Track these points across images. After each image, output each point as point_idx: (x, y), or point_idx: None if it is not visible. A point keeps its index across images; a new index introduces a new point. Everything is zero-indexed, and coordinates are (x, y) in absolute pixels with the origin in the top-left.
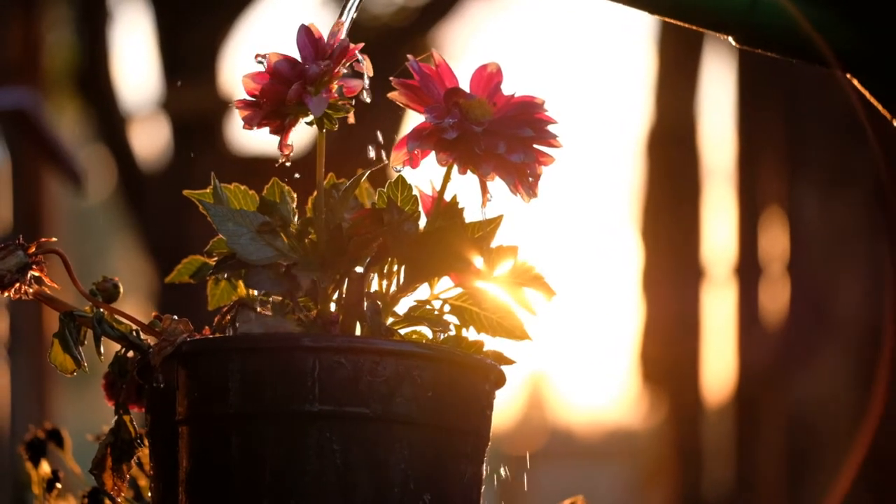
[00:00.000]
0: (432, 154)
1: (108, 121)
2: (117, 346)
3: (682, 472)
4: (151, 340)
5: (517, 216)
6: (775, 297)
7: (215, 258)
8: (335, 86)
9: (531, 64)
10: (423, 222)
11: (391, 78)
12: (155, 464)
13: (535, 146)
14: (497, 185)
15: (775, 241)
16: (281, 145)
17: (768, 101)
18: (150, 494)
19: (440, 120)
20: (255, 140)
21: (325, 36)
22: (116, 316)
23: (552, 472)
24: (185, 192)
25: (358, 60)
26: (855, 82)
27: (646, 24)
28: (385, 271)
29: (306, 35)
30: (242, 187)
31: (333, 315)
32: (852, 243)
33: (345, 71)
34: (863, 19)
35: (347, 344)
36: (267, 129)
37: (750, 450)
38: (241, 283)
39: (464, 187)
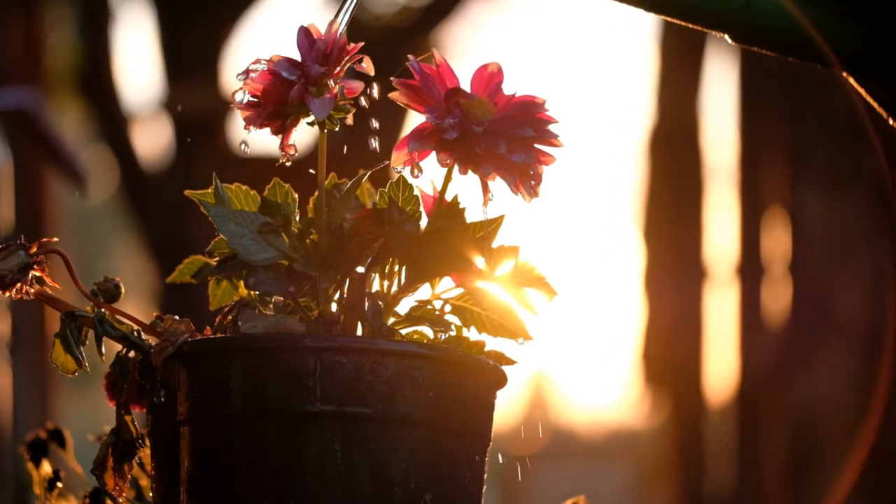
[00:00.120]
0: (433, 154)
1: (110, 121)
2: (119, 347)
3: (684, 472)
4: (153, 341)
5: (518, 216)
6: (777, 297)
7: (217, 258)
8: (336, 86)
9: (533, 64)
10: (424, 222)
11: (392, 78)
12: (156, 464)
13: (536, 146)
14: (498, 185)
15: (778, 241)
16: (283, 146)
17: (771, 101)
18: (151, 495)
19: (441, 120)
20: (258, 140)
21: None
22: (118, 316)
23: (554, 472)
24: (187, 193)
25: (360, 61)
26: (852, 81)
27: (648, 24)
28: (386, 271)
29: (306, 36)
30: (244, 187)
31: (335, 315)
32: (855, 243)
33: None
34: (861, 19)
35: (349, 344)
36: (268, 129)
37: (752, 450)
38: (242, 283)
39: (465, 187)
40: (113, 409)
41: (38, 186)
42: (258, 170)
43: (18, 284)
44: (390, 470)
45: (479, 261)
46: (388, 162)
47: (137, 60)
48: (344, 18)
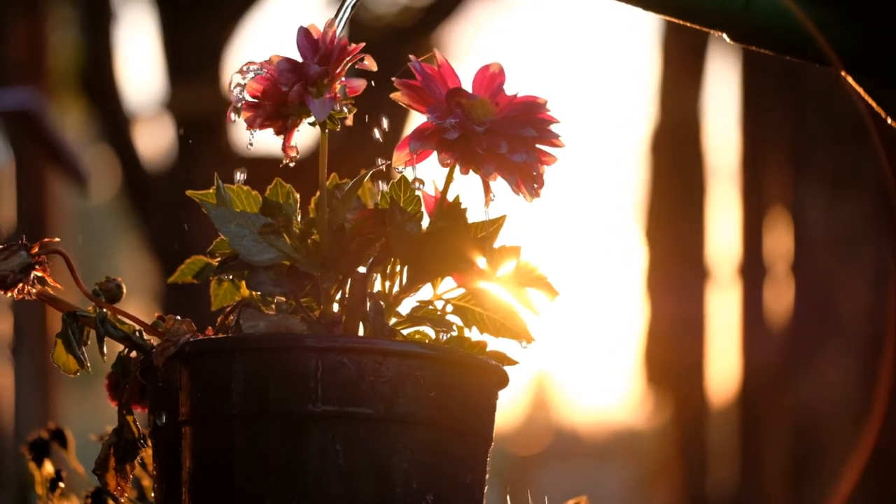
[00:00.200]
0: (434, 154)
1: (113, 121)
2: (120, 347)
3: (687, 472)
4: (155, 341)
5: (520, 216)
6: (780, 298)
7: (218, 259)
8: (337, 87)
9: (535, 64)
10: (425, 223)
11: (393, 78)
12: (158, 464)
13: (537, 146)
14: (500, 185)
15: (780, 242)
16: (285, 147)
17: (773, 101)
18: (153, 495)
19: (442, 120)
20: (258, 140)
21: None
22: (119, 316)
23: (556, 472)
24: (188, 193)
25: (361, 60)
26: (852, 81)
27: (650, 24)
28: (388, 272)
29: (306, 37)
30: (245, 188)
31: (336, 315)
32: (857, 243)
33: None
34: (861, 19)
35: (350, 344)
36: (271, 130)
37: (754, 450)
38: (243, 283)
39: (467, 188)
40: (115, 410)
41: (40, 186)
42: (260, 170)
43: (20, 284)
44: (392, 470)
45: (480, 261)
46: (389, 162)
47: (139, 61)
48: (343, 18)
